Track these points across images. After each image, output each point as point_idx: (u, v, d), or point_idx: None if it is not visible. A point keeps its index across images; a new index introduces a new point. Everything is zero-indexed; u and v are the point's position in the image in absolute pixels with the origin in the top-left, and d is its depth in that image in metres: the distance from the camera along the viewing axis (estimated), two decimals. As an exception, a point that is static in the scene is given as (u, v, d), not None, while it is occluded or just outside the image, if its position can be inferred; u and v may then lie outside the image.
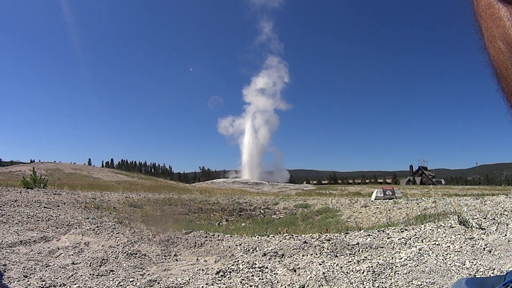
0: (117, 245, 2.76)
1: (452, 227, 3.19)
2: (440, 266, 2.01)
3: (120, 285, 1.83)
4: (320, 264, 2.16)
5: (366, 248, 2.61)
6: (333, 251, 2.53)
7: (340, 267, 2.07)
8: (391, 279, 1.83)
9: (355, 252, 2.50)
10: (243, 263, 2.18)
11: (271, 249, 2.57)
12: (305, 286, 1.79)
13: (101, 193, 9.56)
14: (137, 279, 1.95)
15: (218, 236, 3.22)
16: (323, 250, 2.57)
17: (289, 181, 58.18)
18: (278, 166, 71.31)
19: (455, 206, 5.42)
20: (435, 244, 2.58)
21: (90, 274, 2.00)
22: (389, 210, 6.88)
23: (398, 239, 2.84)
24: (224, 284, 1.83)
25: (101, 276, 1.99)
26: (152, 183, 27.75)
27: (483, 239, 2.64)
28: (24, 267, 2.07)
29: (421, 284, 1.73)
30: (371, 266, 2.03)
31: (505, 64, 0.34)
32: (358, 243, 2.75)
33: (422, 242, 2.72)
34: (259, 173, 59.07)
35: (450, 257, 2.18)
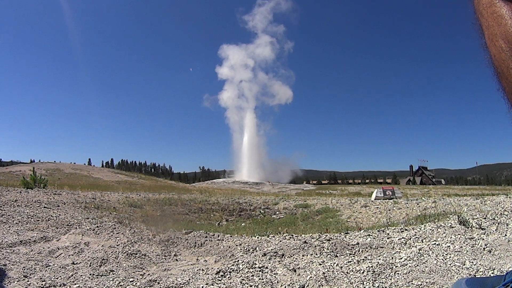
0: (117, 245, 2.76)
1: (452, 227, 3.19)
2: (440, 266, 2.00)
3: (120, 285, 1.83)
4: (320, 264, 2.16)
5: (366, 248, 2.61)
6: (333, 251, 2.53)
7: (340, 267, 2.07)
8: (391, 279, 1.82)
9: (355, 252, 2.50)
10: (243, 263, 2.17)
11: (271, 249, 2.57)
12: (305, 286, 1.79)
13: (101, 193, 9.55)
14: (137, 279, 1.95)
15: (218, 236, 3.22)
16: (323, 250, 2.57)
17: (289, 181, 57.69)
18: (285, 162, 69.35)
19: (455, 206, 5.42)
20: (435, 244, 2.58)
21: (90, 274, 2.00)
22: (389, 210, 6.88)
23: (398, 239, 2.84)
24: (224, 284, 1.83)
25: (101, 276, 1.99)
26: (152, 183, 27.74)
27: (483, 239, 2.64)
28: (24, 267, 2.07)
29: (421, 284, 1.72)
30: (371, 266, 2.03)
31: (506, 63, 0.34)
32: (358, 243, 2.75)
33: (422, 242, 2.72)
34: (260, 174, 57.88)
35: (450, 257, 2.18)
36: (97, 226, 3.48)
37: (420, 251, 2.36)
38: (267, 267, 2.10)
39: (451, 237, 2.78)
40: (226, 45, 75.63)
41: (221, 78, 72.25)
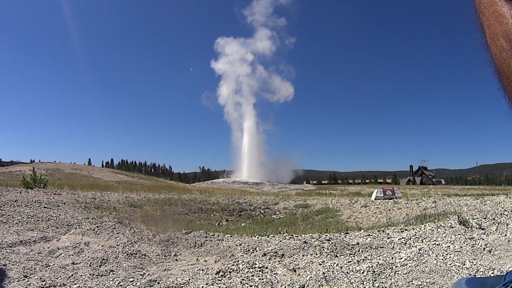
0: (117, 245, 2.76)
1: (452, 227, 3.18)
2: (440, 266, 2.00)
3: (120, 285, 1.83)
4: (320, 264, 2.16)
5: (366, 248, 2.61)
6: (333, 251, 2.52)
7: (340, 267, 2.07)
8: (391, 279, 1.82)
9: (355, 252, 2.50)
10: (243, 263, 2.17)
11: (271, 249, 2.57)
12: (305, 286, 1.79)
13: (101, 193, 9.55)
14: (137, 279, 1.94)
15: (218, 236, 3.22)
16: (323, 250, 2.56)
17: (290, 181, 57.36)
18: (284, 161, 67.90)
19: (455, 206, 5.42)
20: (435, 244, 2.58)
21: (90, 274, 2.00)
22: (389, 210, 6.87)
23: (398, 239, 2.83)
24: (224, 284, 1.83)
25: (101, 276, 1.99)
26: (152, 183, 27.75)
27: (483, 239, 2.64)
28: (24, 267, 2.07)
29: (421, 284, 1.72)
30: (371, 266, 2.03)
31: (507, 62, 0.34)
32: (358, 243, 2.75)
33: (422, 242, 2.72)
34: (259, 172, 57.27)
35: (450, 257, 2.18)
36: (97, 226, 3.47)
37: (420, 251, 2.35)
38: (267, 267, 2.10)
39: (451, 237, 2.78)
40: (222, 39, 74.03)
41: (219, 73, 71.54)
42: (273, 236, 3.24)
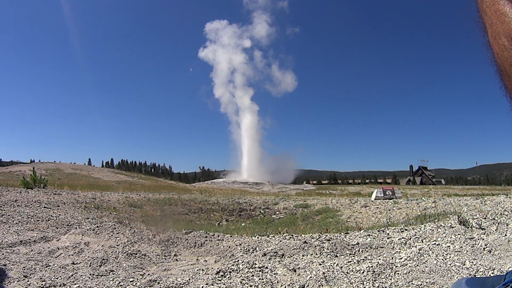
0: (117, 245, 2.76)
1: (452, 227, 3.18)
2: (440, 266, 2.00)
3: (120, 285, 1.83)
4: (320, 264, 2.16)
5: (366, 248, 2.61)
6: (333, 251, 2.52)
7: (340, 267, 2.07)
8: (391, 279, 1.82)
9: (355, 252, 2.50)
10: (243, 263, 2.17)
11: (271, 249, 2.57)
12: (305, 286, 1.79)
13: (101, 193, 9.55)
14: (137, 279, 1.94)
15: (218, 236, 3.22)
16: (323, 250, 2.56)
17: (292, 181, 57.03)
18: (284, 162, 66.68)
19: (455, 206, 5.42)
20: (435, 244, 2.58)
21: (90, 274, 2.00)
22: (389, 210, 6.87)
23: (398, 239, 2.83)
24: (224, 284, 1.83)
25: (101, 276, 1.99)
26: (152, 183, 27.77)
27: (483, 239, 2.64)
28: (24, 267, 2.07)
29: (421, 284, 1.72)
30: (371, 266, 2.03)
31: (509, 61, 0.34)
32: (358, 243, 2.75)
33: (422, 242, 2.71)
34: (259, 172, 56.76)
35: (450, 257, 2.18)
36: (97, 226, 3.47)
37: (420, 251, 2.35)
38: (267, 267, 2.10)
39: (451, 237, 2.78)
40: (211, 23, 71.69)
41: (212, 62, 70.10)
42: (273, 236, 3.24)
